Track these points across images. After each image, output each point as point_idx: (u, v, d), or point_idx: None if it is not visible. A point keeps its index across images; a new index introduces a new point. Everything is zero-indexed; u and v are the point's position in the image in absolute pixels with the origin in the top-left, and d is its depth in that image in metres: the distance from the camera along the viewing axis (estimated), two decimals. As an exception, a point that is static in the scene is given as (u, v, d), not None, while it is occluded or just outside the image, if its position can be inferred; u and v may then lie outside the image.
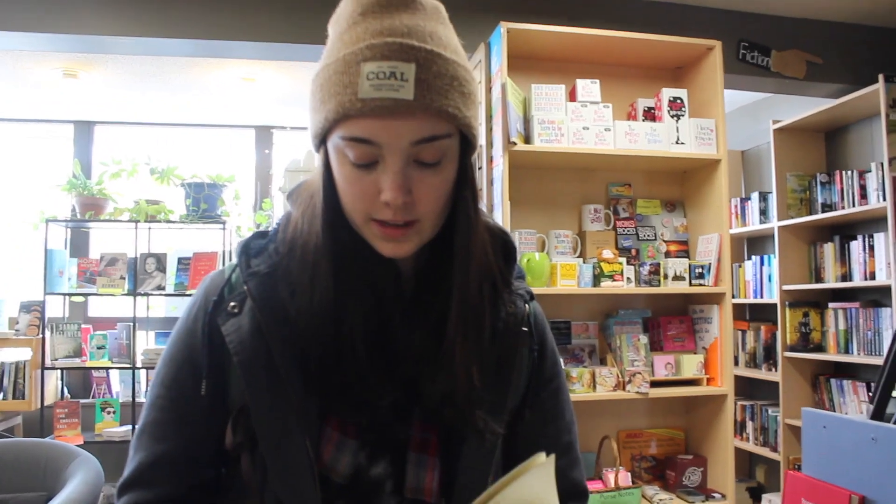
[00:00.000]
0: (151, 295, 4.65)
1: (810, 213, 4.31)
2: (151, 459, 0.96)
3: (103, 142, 5.55)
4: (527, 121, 2.90)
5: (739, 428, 4.76)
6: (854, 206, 3.98)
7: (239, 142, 5.68)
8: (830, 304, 4.18)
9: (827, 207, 4.20)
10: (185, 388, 0.96)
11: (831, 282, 4.15)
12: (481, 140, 2.90)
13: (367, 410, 0.94)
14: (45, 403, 4.56)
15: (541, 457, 0.80)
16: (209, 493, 0.98)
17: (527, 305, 1.05)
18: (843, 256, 4.10)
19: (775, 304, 4.40)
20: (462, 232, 0.94)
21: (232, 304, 0.94)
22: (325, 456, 0.91)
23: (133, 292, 4.56)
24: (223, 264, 4.52)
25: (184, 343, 0.98)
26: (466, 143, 0.92)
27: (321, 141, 0.91)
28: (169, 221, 4.64)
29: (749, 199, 4.87)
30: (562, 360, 2.88)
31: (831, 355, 4.12)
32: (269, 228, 1.03)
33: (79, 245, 5.22)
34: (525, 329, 1.04)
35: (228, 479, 0.98)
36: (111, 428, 4.69)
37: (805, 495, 1.26)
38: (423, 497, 0.94)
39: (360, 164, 0.86)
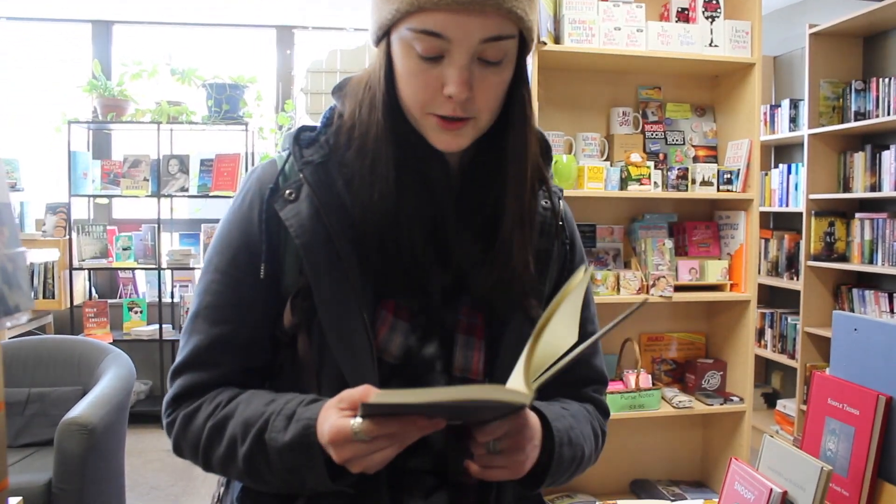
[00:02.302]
0: (175, 196, 4.68)
1: (842, 122, 4.21)
2: (207, 342, 0.98)
3: (122, 42, 5.47)
4: (557, 20, 2.82)
5: (758, 335, 4.80)
6: (889, 114, 3.87)
7: (260, 42, 5.58)
8: (857, 214, 4.13)
9: (860, 116, 4.10)
10: (241, 272, 0.99)
11: (860, 191, 4.10)
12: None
13: (420, 294, 0.98)
14: (75, 303, 4.68)
15: (579, 273, 0.89)
16: (263, 376, 1.02)
17: (560, 201, 1.10)
18: (874, 166, 4.02)
19: (800, 213, 4.36)
20: (518, 128, 0.98)
21: (288, 191, 0.97)
22: (379, 336, 0.96)
23: (157, 194, 4.59)
24: (246, 166, 4.55)
25: (238, 229, 1.00)
26: (523, 45, 0.95)
27: (385, 32, 0.93)
28: (191, 123, 4.62)
29: (779, 106, 4.76)
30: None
31: (855, 265, 4.10)
32: (307, 124, 1.05)
33: (101, 147, 5.22)
34: (561, 223, 1.10)
35: (282, 362, 1.01)
36: (139, 327, 4.81)
37: (832, 395, 1.26)
38: (469, 375, 0.99)
39: (428, 56, 0.89)
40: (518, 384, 0.82)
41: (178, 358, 1.00)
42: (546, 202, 1.07)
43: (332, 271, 0.94)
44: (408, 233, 0.95)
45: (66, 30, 5.43)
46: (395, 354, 0.96)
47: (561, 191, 1.12)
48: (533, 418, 0.93)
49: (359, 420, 0.80)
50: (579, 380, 1.13)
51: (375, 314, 0.96)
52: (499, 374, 0.99)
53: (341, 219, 0.95)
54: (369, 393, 0.82)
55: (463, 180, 1.02)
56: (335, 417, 0.83)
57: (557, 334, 0.86)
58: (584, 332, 1.13)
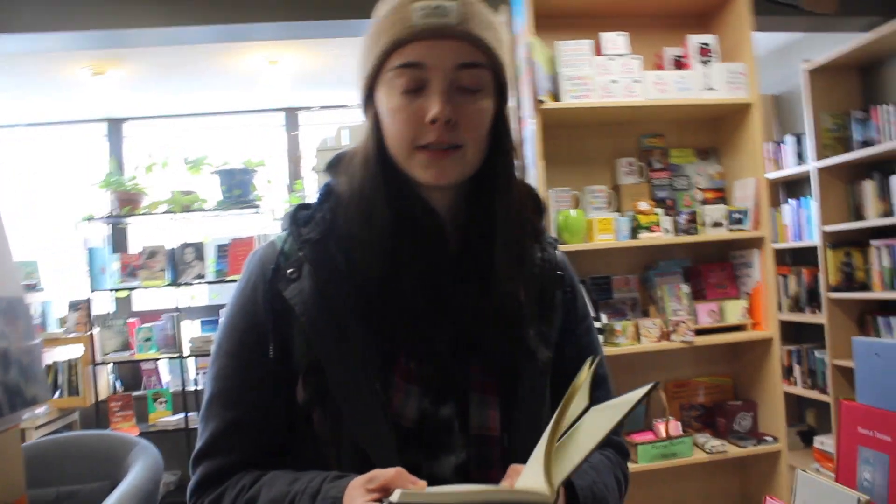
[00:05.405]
0: (192, 284, 4.72)
1: (847, 151, 4.23)
2: (223, 427, 0.99)
3: (135, 137, 5.63)
4: (554, 78, 2.87)
5: (786, 372, 4.72)
6: (893, 139, 3.89)
7: (268, 126, 5.72)
8: (872, 242, 4.10)
9: (865, 144, 4.11)
10: (250, 354, 1.00)
11: (873, 219, 4.08)
12: (511, 102, 2.88)
13: (429, 354, 0.99)
14: (100, 398, 4.68)
15: (584, 369, 0.87)
16: (282, 455, 1.01)
17: (556, 251, 1.14)
18: (884, 192, 4.01)
19: (816, 247, 4.34)
20: (502, 157, 1.03)
21: (290, 270, 0.99)
22: (394, 403, 0.96)
23: (175, 283, 4.63)
24: (261, 248, 4.60)
25: (244, 312, 1.02)
26: (500, 94, 1.02)
27: (370, 90, 1.00)
28: (204, 210, 4.69)
29: (783, 142, 4.79)
30: (604, 315, 2.88)
31: (877, 293, 4.05)
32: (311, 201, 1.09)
33: (119, 240, 5.32)
34: (560, 273, 1.12)
35: (300, 438, 1.01)
36: (164, 417, 4.80)
37: (861, 423, 1.25)
38: (487, 433, 1.00)
39: (409, 89, 0.95)
40: (538, 481, 0.81)
41: (198, 445, 1.01)
42: (543, 253, 1.10)
43: (339, 345, 0.96)
44: (408, 290, 0.97)
45: (81, 130, 5.60)
46: (411, 418, 0.97)
47: (556, 241, 1.15)
48: None
49: None
50: None
51: (387, 382, 0.96)
52: (516, 430, 1.00)
53: (343, 292, 0.97)
54: (400, 475, 0.83)
55: (460, 240, 1.04)
56: (361, 501, 0.83)
57: (582, 430, 0.86)
58: (597, 376, 1.12)
